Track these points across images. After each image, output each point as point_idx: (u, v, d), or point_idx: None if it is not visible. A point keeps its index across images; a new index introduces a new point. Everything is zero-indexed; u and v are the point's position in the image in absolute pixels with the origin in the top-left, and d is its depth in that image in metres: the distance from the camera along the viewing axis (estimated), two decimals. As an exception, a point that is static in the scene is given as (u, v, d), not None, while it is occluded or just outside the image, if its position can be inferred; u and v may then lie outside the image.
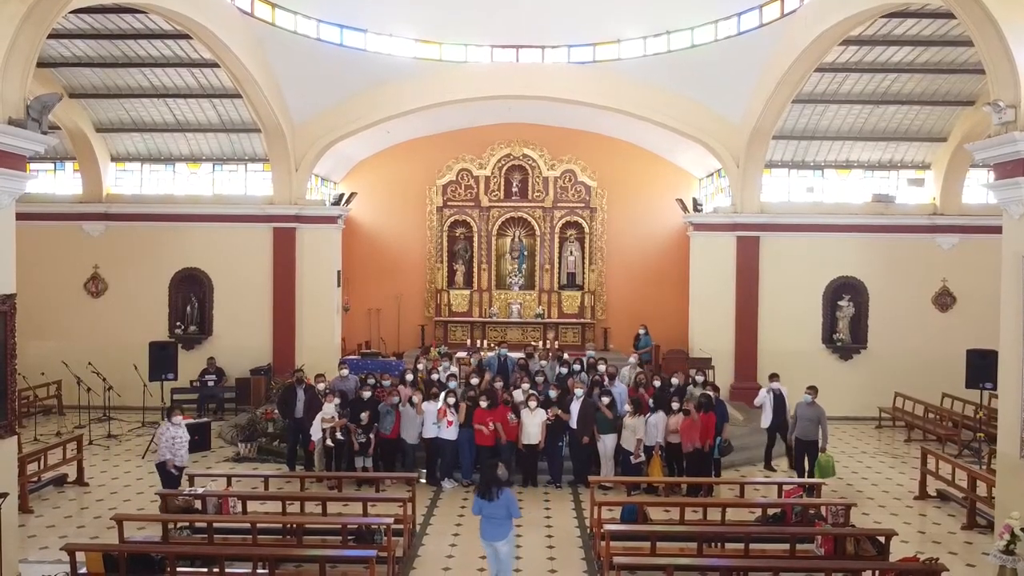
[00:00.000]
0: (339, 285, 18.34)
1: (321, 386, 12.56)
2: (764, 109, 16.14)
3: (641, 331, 18.43)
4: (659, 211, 20.26)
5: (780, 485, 10.49)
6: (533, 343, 14.01)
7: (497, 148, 20.01)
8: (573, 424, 12.02)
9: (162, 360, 14.67)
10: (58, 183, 18.91)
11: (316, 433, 11.85)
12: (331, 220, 18.16)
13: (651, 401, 12.13)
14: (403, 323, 20.49)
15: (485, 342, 17.55)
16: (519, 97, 17.82)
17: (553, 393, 12.23)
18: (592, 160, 20.08)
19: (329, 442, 11.79)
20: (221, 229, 18.01)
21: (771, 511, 9.47)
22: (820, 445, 11.93)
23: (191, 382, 17.03)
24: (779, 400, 13.13)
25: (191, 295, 18.14)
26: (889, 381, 17.21)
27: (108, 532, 9.65)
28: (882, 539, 8.19)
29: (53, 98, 8.39)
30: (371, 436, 11.88)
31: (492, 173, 20.00)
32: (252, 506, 10.14)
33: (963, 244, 17.59)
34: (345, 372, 13.25)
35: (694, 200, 18.51)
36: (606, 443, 11.93)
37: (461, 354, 16.87)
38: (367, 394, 12.13)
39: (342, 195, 18.44)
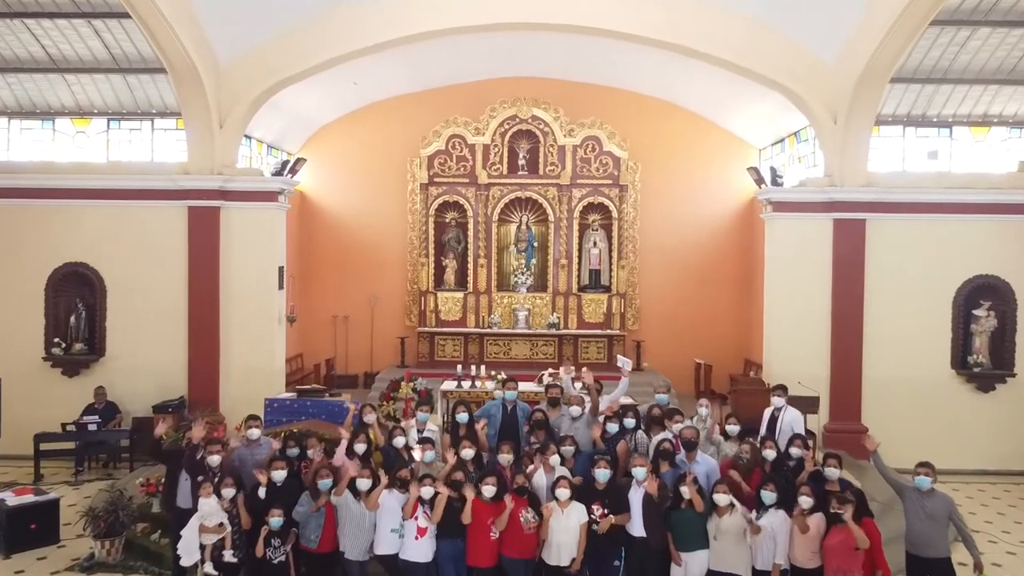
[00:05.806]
0: (281, 287, 13.34)
1: (215, 459, 7.41)
2: (886, 37, 11.15)
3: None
4: (710, 189, 16.41)
5: None
6: (558, 381, 8.78)
7: (499, 108, 15.93)
8: (636, 529, 7.04)
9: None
10: None
11: (188, 554, 6.75)
12: (270, 197, 13.11)
13: (763, 493, 7.03)
14: (377, 335, 16.38)
15: (482, 368, 12.56)
16: (529, 26, 12.80)
17: (603, 474, 7.13)
18: (622, 124, 15.93)
19: (209, 569, 6.69)
20: (118, 209, 12.98)
21: None
22: (975, 560, 6.94)
23: (63, 426, 12.05)
24: None
25: (77, 300, 13.15)
26: (1049, 422, 12.44)
27: None
28: None
29: None
30: (288, 552, 6.87)
31: (493, 141, 15.90)
32: None
33: None
34: (255, 433, 7.81)
35: (772, 170, 13.49)
36: (690, 564, 6.93)
37: (447, 385, 11.99)
38: (281, 474, 7.10)
39: (286, 162, 13.42)
